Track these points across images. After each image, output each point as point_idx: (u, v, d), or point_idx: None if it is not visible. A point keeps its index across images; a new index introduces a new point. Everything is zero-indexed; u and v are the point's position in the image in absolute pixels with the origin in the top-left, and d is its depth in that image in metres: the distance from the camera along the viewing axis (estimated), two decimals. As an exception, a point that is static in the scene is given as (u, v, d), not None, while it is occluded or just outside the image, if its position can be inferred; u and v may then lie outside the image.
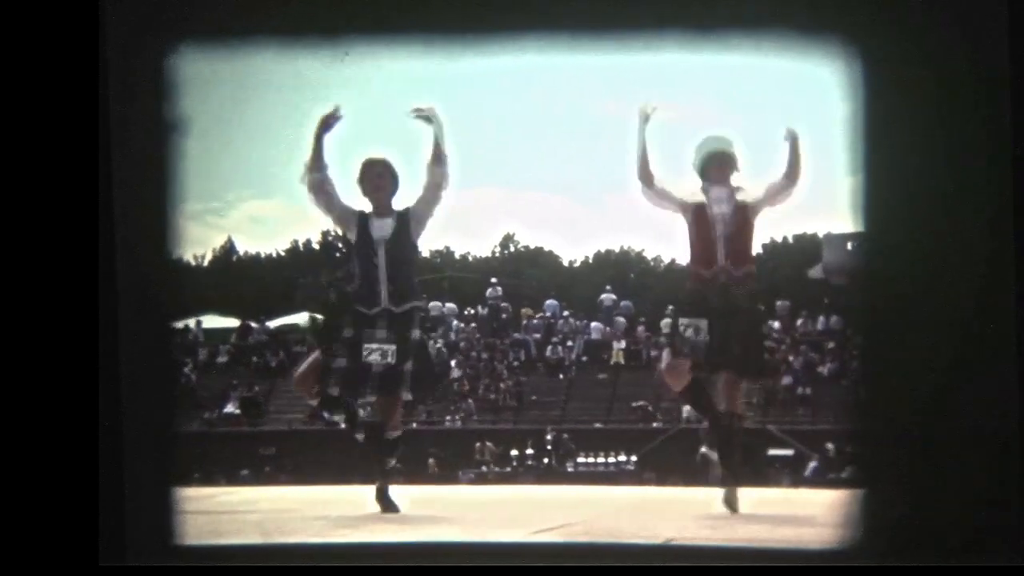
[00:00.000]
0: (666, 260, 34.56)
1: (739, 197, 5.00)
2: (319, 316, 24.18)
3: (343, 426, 5.15)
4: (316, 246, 36.63)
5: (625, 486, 12.62)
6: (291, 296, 26.87)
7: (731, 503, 4.86)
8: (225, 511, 5.06)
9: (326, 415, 5.16)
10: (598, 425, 20.31)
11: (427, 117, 4.91)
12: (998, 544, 3.13)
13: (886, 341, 3.25)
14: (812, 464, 16.63)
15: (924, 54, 3.21)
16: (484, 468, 18.62)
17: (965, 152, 3.20)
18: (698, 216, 4.99)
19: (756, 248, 5.20)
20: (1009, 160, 3.17)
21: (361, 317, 4.95)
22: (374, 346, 4.89)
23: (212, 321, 22.72)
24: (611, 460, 18.70)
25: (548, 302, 23.78)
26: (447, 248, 33.76)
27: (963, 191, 3.21)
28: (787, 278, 23.90)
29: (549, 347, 22.18)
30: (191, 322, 22.57)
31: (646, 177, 4.97)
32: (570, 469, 18.67)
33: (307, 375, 5.07)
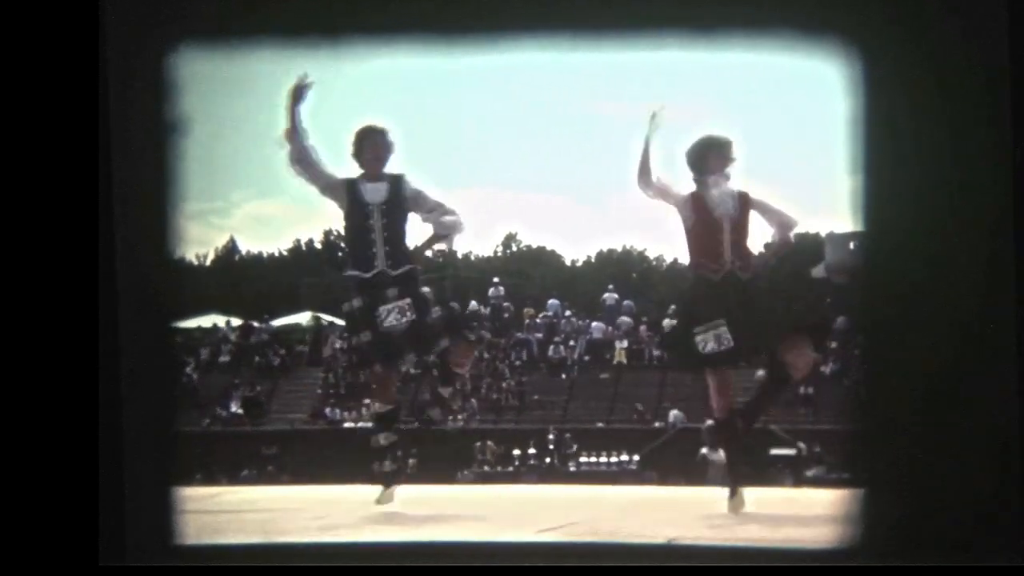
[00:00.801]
0: (668, 259, 34.57)
1: (740, 191, 4.95)
2: (322, 315, 24.21)
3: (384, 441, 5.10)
4: (319, 245, 36.67)
5: (627, 485, 12.61)
6: (294, 296, 26.88)
7: (737, 508, 4.85)
8: (226, 511, 5.06)
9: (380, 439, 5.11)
10: (600, 425, 20.31)
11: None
12: (998, 544, 3.12)
13: (887, 340, 3.25)
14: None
15: (925, 53, 3.20)
16: (486, 468, 18.62)
17: (966, 151, 3.20)
18: (699, 213, 4.93)
19: (758, 246, 5.16)
20: (1009, 159, 3.17)
21: (360, 282, 4.89)
22: (388, 307, 4.83)
23: (213, 320, 22.74)
24: (613, 460, 18.69)
25: (550, 302, 23.79)
26: (449, 248, 33.73)
27: (964, 190, 3.21)
28: (789, 277, 23.90)
29: (551, 346, 22.19)
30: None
31: (645, 174, 4.94)
32: (572, 469, 18.67)
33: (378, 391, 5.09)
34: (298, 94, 4.81)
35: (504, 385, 21.09)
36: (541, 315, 23.24)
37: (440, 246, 5.23)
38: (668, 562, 3.48)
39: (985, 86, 3.18)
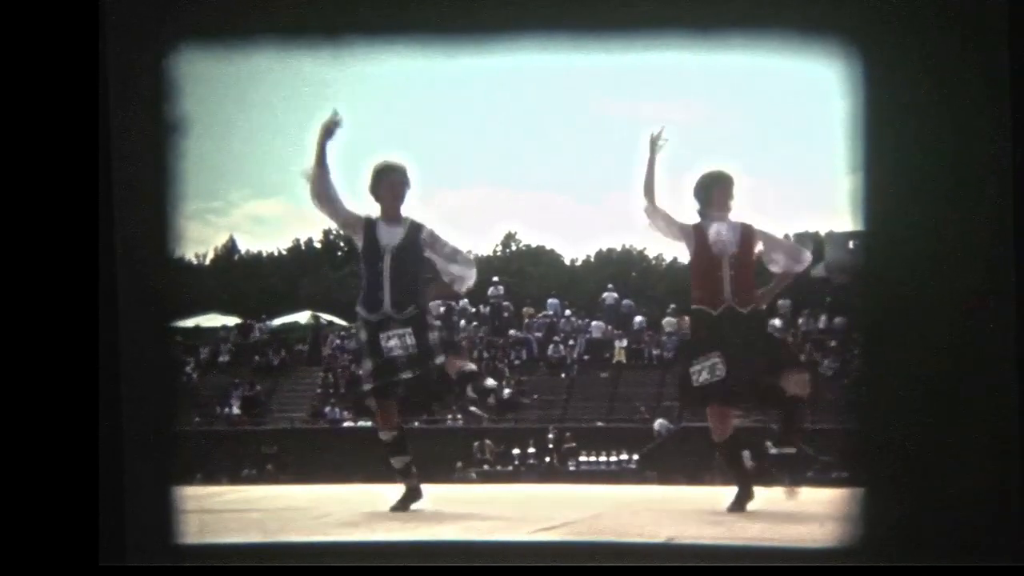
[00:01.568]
0: (668, 259, 34.58)
1: (744, 228, 4.91)
2: (321, 314, 24.21)
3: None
4: (318, 245, 36.68)
5: (626, 485, 12.62)
6: (293, 295, 26.89)
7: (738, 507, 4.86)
8: (227, 510, 5.07)
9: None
10: (599, 424, 20.32)
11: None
12: (998, 544, 3.12)
13: (887, 340, 3.25)
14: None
15: (924, 53, 3.20)
16: (486, 467, 18.63)
17: (965, 150, 3.20)
18: (700, 247, 4.90)
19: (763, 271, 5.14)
20: (1009, 159, 3.17)
21: (367, 323, 4.99)
22: (391, 332, 4.92)
23: (212, 320, 22.74)
24: (612, 459, 18.71)
25: (550, 301, 23.82)
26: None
27: (964, 190, 3.21)
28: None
29: (551, 346, 22.22)
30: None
31: (650, 196, 4.91)
32: (571, 468, 18.68)
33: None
34: (328, 131, 4.84)
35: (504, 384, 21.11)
36: (541, 314, 23.25)
37: (447, 294, 5.29)
38: (668, 562, 3.48)
39: (985, 86, 3.18)
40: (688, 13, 3.33)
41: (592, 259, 36.79)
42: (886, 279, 3.26)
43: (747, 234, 4.92)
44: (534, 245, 37.84)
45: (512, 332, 22.50)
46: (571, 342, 22.19)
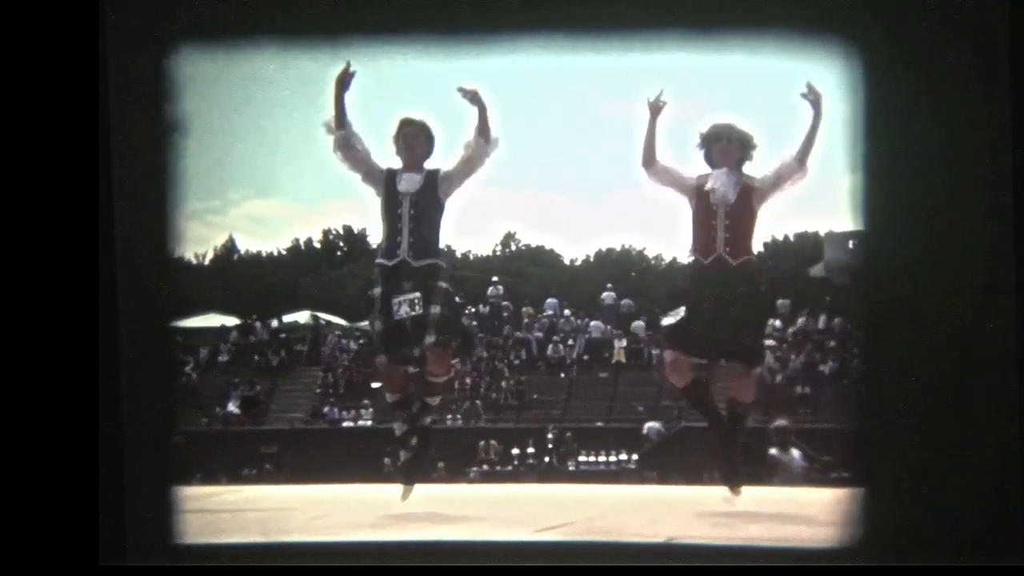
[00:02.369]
0: (667, 259, 34.56)
1: (745, 182, 4.95)
2: (320, 314, 24.20)
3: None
4: (317, 245, 36.66)
5: (626, 484, 12.62)
6: (293, 295, 26.88)
7: (731, 498, 4.88)
8: (226, 510, 5.06)
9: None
10: (599, 424, 20.31)
11: (472, 97, 4.94)
12: (998, 544, 3.13)
13: (886, 340, 3.25)
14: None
15: (924, 54, 3.20)
16: (486, 467, 18.62)
17: (965, 151, 3.20)
18: (700, 199, 4.96)
19: (758, 245, 5.16)
20: (1009, 159, 3.17)
21: (384, 270, 4.95)
22: (402, 298, 4.89)
23: (212, 320, 22.73)
24: (612, 459, 18.69)
25: (549, 301, 23.78)
26: (448, 247, 33.72)
27: (963, 190, 3.21)
28: (789, 276, 23.90)
29: (550, 346, 22.19)
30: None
31: (649, 159, 4.96)
32: (571, 468, 18.67)
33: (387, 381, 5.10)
34: (344, 82, 4.86)
35: (503, 384, 21.09)
36: (540, 314, 23.24)
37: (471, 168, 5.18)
38: (667, 561, 3.48)
39: (984, 85, 3.18)
40: (688, 13, 3.33)
41: (591, 259, 36.76)
42: (886, 279, 3.26)
43: (747, 187, 4.95)
44: (534, 245, 37.81)
45: (508, 328, 22.48)
46: (570, 342, 22.16)
